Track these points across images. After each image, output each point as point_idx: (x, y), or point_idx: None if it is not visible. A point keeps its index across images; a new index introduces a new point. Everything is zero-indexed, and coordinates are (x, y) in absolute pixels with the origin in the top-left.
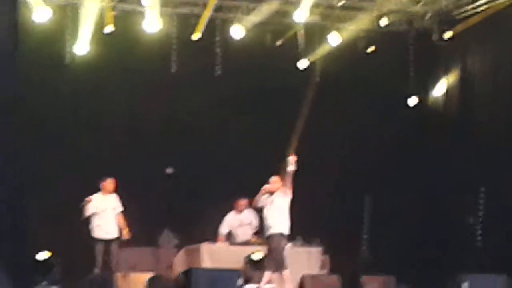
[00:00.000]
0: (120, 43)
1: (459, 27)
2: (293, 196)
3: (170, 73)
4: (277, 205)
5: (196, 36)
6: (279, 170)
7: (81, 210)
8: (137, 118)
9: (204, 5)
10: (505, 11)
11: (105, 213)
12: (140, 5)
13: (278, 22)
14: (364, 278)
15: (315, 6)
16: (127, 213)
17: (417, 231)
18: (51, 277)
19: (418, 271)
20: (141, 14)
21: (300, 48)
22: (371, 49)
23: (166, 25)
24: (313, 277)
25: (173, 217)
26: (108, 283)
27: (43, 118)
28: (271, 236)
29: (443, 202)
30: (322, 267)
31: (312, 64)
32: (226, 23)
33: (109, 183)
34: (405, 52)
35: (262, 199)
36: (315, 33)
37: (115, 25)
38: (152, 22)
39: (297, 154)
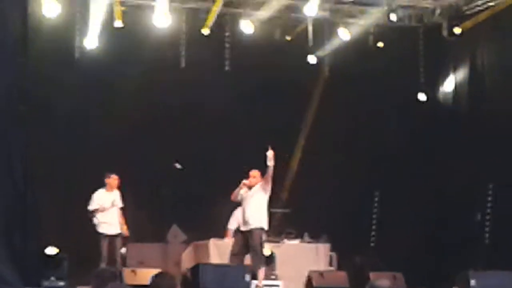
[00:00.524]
0: (129, 38)
1: (469, 23)
2: (272, 192)
3: (179, 68)
4: (256, 200)
5: (205, 31)
6: (284, 164)
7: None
8: (146, 112)
9: (213, 0)
10: None
11: (109, 209)
12: None
13: (288, 17)
14: (372, 275)
15: (325, 0)
16: (136, 209)
17: (425, 227)
18: (59, 272)
19: (426, 267)
20: (151, 8)
21: (310, 43)
22: (380, 44)
23: (175, 20)
24: (320, 273)
25: (181, 213)
26: (116, 277)
27: (52, 112)
28: (252, 231)
29: (452, 199)
30: (330, 263)
31: (321, 59)
32: (236, 18)
33: (114, 179)
34: (415, 48)
35: (241, 194)
36: (325, 28)
37: (124, 20)
38: (162, 17)
39: (305, 149)
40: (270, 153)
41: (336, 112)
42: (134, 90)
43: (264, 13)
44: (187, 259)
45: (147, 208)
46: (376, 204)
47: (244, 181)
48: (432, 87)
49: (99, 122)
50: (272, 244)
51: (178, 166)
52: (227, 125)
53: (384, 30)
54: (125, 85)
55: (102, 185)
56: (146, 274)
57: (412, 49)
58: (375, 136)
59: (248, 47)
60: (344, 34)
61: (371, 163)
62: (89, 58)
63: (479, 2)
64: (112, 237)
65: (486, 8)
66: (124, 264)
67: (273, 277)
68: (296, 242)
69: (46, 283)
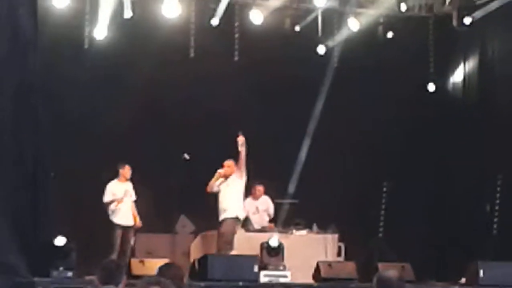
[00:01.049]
0: (138, 28)
1: (479, 13)
2: (248, 179)
3: (189, 58)
4: (233, 189)
5: (214, 21)
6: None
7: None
8: (155, 103)
9: None
10: None
11: (123, 199)
12: None
13: (297, 7)
14: (380, 265)
15: None
16: (144, 199)
17: (434, 218)
18: (68, 262)
19: (434, 258)
20: None
21: (319, 33)
22: (390, 34)
23: (184, 10)
24: (329, 263)
25: (190, 203)
26: (122, 269)
27: (62, 102)
28: (225, 220)
29: (461, 190)
30: (338, 254)
31: (331, 49)
32: (245, 8)
33: (127, 170)
34: (425, 38)
35: (217, 184)
36: (334, 18)
37: (133, 10)
38: (171, 7)
39: (314, 140)
40: (240, 139)
41: (345, 102)
42: (143, 80)
43: (273, 3)
44: (195, 250)
45: (156, 198)
46: (384, 195)
47: (219, 171)
48: (441, 77)
49: (108, 112)
50: (280, 235)
51: (186, 157)
52: (236, 115)
53: (394, 20)
54: (134, 75)
55: (110, 175)
56: (154, 265)
57: (422, 39)
58: (384, 126)
59: (257, 37)
60: (353, 24)
61: (380, 153)
62: (99, 48)
63: None
64: (126, 228)
65: None
66: (132, 254)
67: (281, 268)
68: (304, 232)
69: (55, 273)
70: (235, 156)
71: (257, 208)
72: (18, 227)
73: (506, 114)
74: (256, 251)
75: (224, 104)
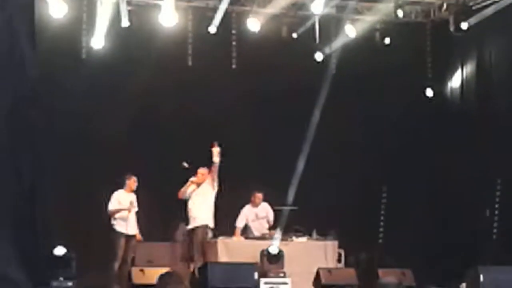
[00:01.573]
0: (136, 37)
1: (476, 18)
2: (220, 189)
3: (187, 66)
4: (204, 198)
5: (212, 29)
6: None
7: (97, 206)
8: (154, 111)
9: None
10: None
11: (131, 210)
12: None
13: (294, 14)
14: (380, 271)
15: None
16: (144, 208)
17: (433, 223)
18: (67, 272)
19: (434, 264)
20: (157, 7)
21: (317, 40)
22: (387, 40)
23: (181, 19)
24: (329, 270)
25: None
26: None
27: (59, 112)
28: (196, 228)
29: (460, 194)
30: (338, 260)
31: (328, 56)
32: (242, 16)
33: (134, 181)
34: (422, 43)
35: (189, 191)
36: (332, 25)
37: (131, 19)
38: (168, 16)
39: (313, 146)
40: (216, 150)
41: (343, 109)
42: (141, 89)
43: (270, 11)
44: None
45: (155, 207)
46: (384, 201)
47: (192, 178)
48: (439, 83)
49: (106, 122)
50: (280, 242)
51: (185, 165)
52: (234, 122)
53: (391, 26)
54: (132, 84)
55: (110, 184)
56: (154, 273)
57: (419, 45)
58: (382, 132)
59: (254, 45)
60: (350, 31)
61: (379, 159)
62: (96, 58)
63: None
64: (128, 237)
65: (493, 3)
66: (133, 263)
67: (281, 274)
68: (304, 239)
69: (55, 283)
70: (209, 165)
71: (256, 215)
72: (16, 237)
73: (504, 118)
74: (256, 258)
75: (222, 112)
